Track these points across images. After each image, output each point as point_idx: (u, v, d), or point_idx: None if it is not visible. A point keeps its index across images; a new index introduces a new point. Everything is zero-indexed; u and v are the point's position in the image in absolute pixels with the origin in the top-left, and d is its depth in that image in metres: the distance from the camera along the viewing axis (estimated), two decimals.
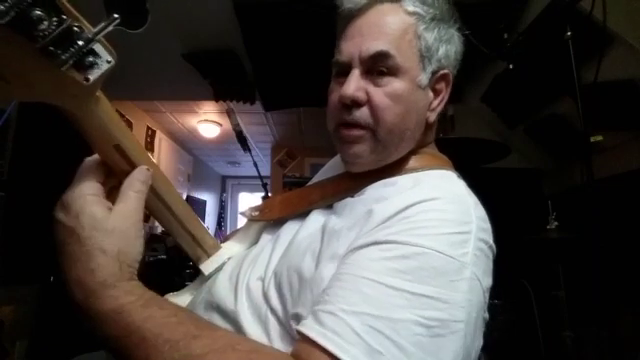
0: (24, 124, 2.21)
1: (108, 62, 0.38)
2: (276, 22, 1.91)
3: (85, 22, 0.35)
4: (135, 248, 0.45)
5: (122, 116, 3.63)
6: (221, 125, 4.39)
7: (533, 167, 2.69)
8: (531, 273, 2.03)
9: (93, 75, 0.37)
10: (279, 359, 0.43)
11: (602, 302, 1.15)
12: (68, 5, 0.34)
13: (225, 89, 2.60)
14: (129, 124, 3.78)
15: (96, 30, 0.36)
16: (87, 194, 0.44)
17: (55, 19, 0.32)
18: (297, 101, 2.90)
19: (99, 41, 0.37)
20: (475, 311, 0.45)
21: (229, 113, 1.92)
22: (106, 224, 0.43)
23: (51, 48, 0.33)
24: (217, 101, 2.67)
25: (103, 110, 0.43)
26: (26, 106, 2.13)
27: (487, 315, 0.51)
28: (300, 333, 0.44)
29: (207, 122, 4.38)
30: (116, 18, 0.37)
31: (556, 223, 1.82)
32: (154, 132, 4.40)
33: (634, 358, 1.68)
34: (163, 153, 4.64)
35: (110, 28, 0.37)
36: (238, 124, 1.92)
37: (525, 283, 1.98)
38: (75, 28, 0.34)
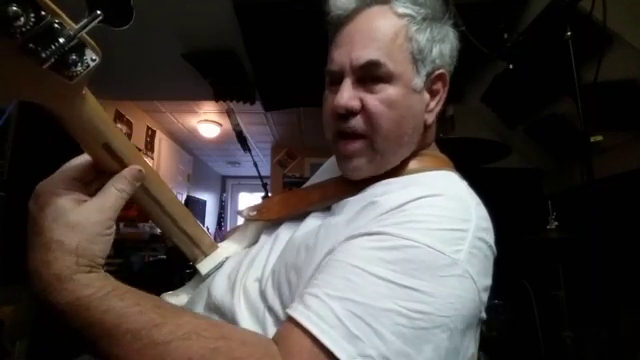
0: (24, 124, 2.21)
1: (93, 60, 0.37)
2: (276, 22, 1.91)
3: (66, 19, 0.34)
4: (98, 245, 0.42)
5: (122, 116, 3.63)
6: (221, 125, 4.39)
7: (533, 167, 2.69)
8: (531, 273, 2.04)
9: (77, 73, 0.36)
10: (252, 344, 0.42)
11: (602, 302, 1.15)
12: (47, 1, 0.33)
13: (225, 89, 2.60)
14: (129, 124, 3.78)
15: (78, 27, 0.34)
16: (57, 186, 0.43)
17: (33, 15, 0.31)
18: (297, 101, 2.90)
19: (82, 38, 0.35)
20: (466, 309, 0.45)
21: (229, 113, 1.92)
22: (68, 217, 0.41)
23: (31, 45, 0.32)
24: (217, 101, 2.68)
25: (90, 108, 0.42)
26: (26, 106, 2.13)
27: (484, 315, 0.51)
28: (287, 314, 0.45)
29: (207, 122, 4.38)
30: (99, 15, 0.36)
31: (556, 223, 1.82)
32: (154, 132, 4.40)
33: (634, 358, 1.68)
34: (163, 153, 4.64)
35: (93, 25, 0.35)
36: (238, 124, 1.92)
37: (525, 283, 1.98)
38: (56, 25, 0.33)
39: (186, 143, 5.28)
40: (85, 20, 0.35)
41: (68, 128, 0.42)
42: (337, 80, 0.59)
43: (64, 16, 0.34)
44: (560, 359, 1.89)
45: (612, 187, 1.78)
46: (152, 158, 4.34)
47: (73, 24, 0.35)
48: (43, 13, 0.32)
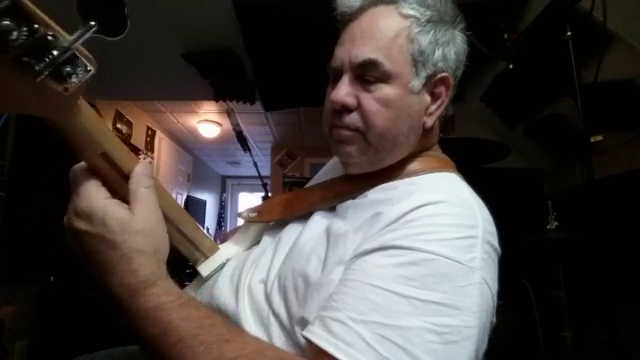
0: (24, 124, 2.21)
1: (87, 70, 0.37)
2: (276, 22, 1.91)
3: (60, 31, 0.34)
4: (166, 244, 0.46)
5: (122, 116, 3.63)
6: (221, 125, 4.39)
7: (533, 167, 2.69)
8: (531, 273, 2.03)
9: (72, 85, 0.36)
10: None
11: (602, 302, 1.15)
12: (40, 13, 0.32)
13: (225, 89, 2.59)
14: (129, 124, 3.78)
15: (71, 39, 0.34)
16: (102, 198, 0.44)
17: (26, 28, 0.31)
18: (297, 101, 2.90)
19: (76, 49, 0.35)
20: (485, 316, 0.45)
21: (229, 113, 1.92)
22: (134, 225, 0.43)
23: (25, 58, 0.32)
24: (217, 101, 2.67)
25: (86, 118, 0.42)
26: None
27: (495, 319, 0.51)
28: (308, 340, 0.43)
29: (207, 122, 4.38)
30: (93, 26, 0.35)
31: (556, 223, 1.82)
32: (154, 132, 4.39)
33: (634, 358, 1.68)
34: (163, 153, 4.64)
35: (87, 36, 0.35)
36: (238, 124, 1.92)
37: (525, 283, 1.98)
38: (49, 37, 0.33)
39: (186, 143, 5.28)
40: (79, 32, 0.35)
41: (66, 138, 0.42)
42: (338, 76, 0.59)
43: (57, 28, 0.34)
44: (560, 359, 1.89)
45: (612, 187, 1.78)
46: (152, 158, 4.34)
47: (67, 35, 0.34)
48: (36, 26, 0.32)
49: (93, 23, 0.35)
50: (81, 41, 0.35)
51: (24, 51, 0.32)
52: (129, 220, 0.43)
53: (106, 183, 0.47)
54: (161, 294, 0.42)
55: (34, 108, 0.37)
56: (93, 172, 0.46)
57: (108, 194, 0.45)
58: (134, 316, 0.41)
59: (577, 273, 1.78)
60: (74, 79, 0.36)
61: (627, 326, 1.71)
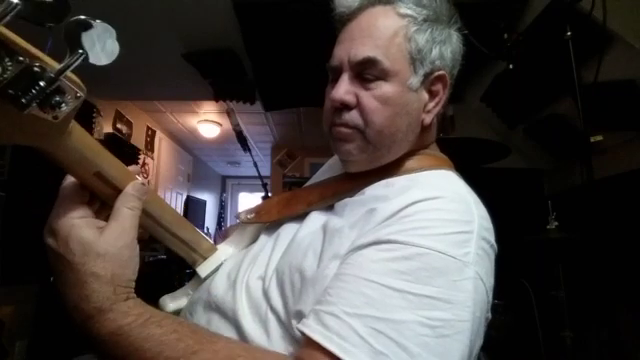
0: None
1: (77, 97, 0.36)
2: (276, 22, 1.91)
3: (47, 60, 0.33)
4: (129, 268, 0.44)
5: (122, 116, 3.63)
6: (221, 125, 4.40)
7: (533, 167, 2.69)
8: (531, 273, 2.03)
9: (61, 113, 0.35)
10: None
11: (602, 302, 1.15)
12: (25, 45, 0.31)
13: (225, 89, 2.60)
14: (129, 124, 3.78)
15: (59, 69, 0.33)
16: (74, 217, 0.43)
17: (9, 62, 0.30)
18: (297, 101, 2.90)
19: (65, 78, 0.34)
20: (479, 310, 0.46)
21: (229, 113, 1.92)
22: (97, 248, 0.42)
23: (10, 91, 0.31)
24: (217, 101, 2.67)
25: (78, 140, 0.41)
26: None
27: (490, 315, 0.51)
28: (303, 333, 0.44)
29: (207, 122, 4.38)
30: (81, 54, 0.34)
31: (556, 223, 1.82)
32: (154, 132, 4.40)
33: (634, 358, 1.68)
34: (163, 153, 4.64)
35: (75, 65, 0.34)
36: (238, 124, 1.92)
37: (525, 283, 1.98)
38: (35, 68, 0.32)
39: (186, 143, 5.28)
40: (66, 61, 0.34)
41: (57, 163, 0.41)
42: (337, 75, 0.60)
43: (45, 58, 0.33)
44: (560, 359, 1.89)
45: (612, 187, 1.78)
46: (152, 158, 4.34)
47: (55, 65, 0.33)
48: (21, 58, 0.31)
49: (81, 51, 0.34)
50: (68, 71, 0.34)
51: (9, 84, 0.31)
52: (93, 242, 0.42)
53: (99, 199, 0.47)
54: (117, 318, 0.41)
55: (23, 138, 0.36)
56: (86, 189, 0.45)
57: (85, 213, 0.44)
58: (95, 339, 0.41)
59: (577, 273, 1.78)
60: (63, 107, 0.35)
61: (627, 326, 1.71)
